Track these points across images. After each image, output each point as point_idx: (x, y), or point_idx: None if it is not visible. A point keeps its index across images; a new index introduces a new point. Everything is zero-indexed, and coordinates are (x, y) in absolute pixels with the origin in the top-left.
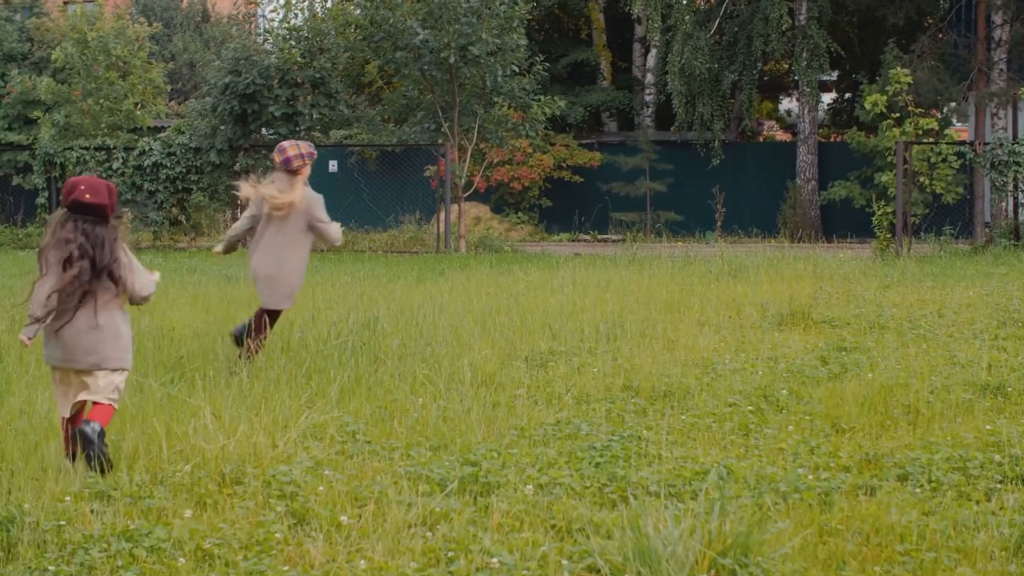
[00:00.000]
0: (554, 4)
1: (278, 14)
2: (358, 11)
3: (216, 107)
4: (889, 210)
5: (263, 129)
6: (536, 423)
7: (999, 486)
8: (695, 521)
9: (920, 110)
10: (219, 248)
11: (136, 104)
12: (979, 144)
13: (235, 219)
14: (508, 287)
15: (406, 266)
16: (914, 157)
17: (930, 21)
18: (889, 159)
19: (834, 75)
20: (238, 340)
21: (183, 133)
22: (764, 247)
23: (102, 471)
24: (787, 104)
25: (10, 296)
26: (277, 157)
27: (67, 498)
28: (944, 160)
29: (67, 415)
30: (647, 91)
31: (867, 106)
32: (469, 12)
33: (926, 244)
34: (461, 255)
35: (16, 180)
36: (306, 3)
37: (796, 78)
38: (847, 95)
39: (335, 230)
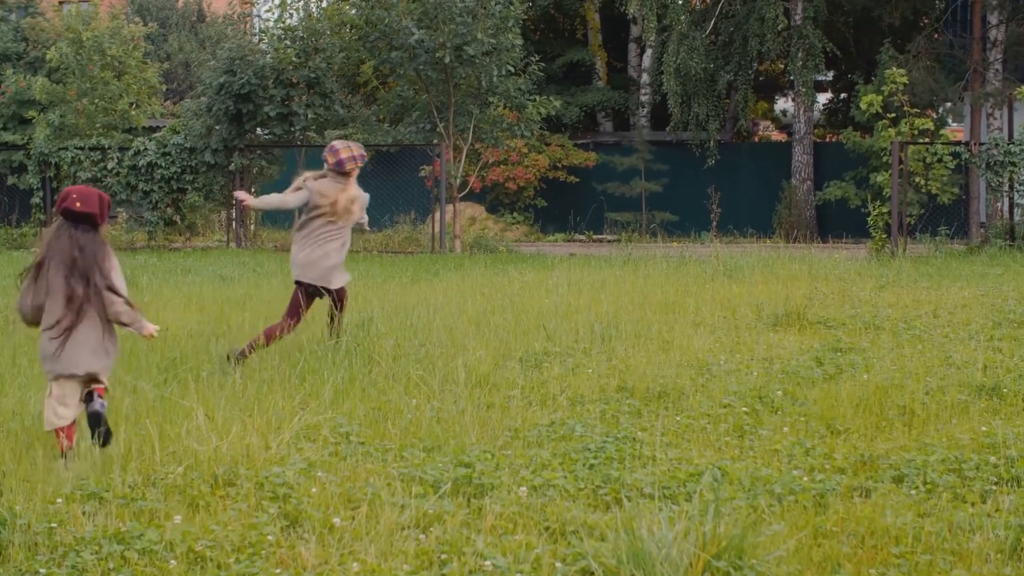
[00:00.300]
0: (549, 4)
1: (273, 14)
2: (353, 11)
3: (211, 107)
4: (885, 210)
5: (258, 129)
6: (530, 424)
7: (994, 488)
8: (689, 523)
9: (916, 110)
10: (255, 202)
11: (131, 104)
12: (975, 144)
13: (230, 219)
14: (503, 287)
15: (401, 266)
16: (910, 157)
17: (926, 21)
18: (885, 159)
19: (830, 75)
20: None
21: (178, 133)
22: (759, 247)
23: (106, 444)
24: (783, 104)
25: (4, 297)
26: (330, 158)
27: (59, 500)
28: (940, 160)
29: (68, 423)
30: (642, 91)
31: (863, 106)
32: (464, 12)
33: (922, 244)
34: (456, 255)
35: (11, 180)
36: (301, 3)
37: (792, 78)
38: (843, 95)
39: (364, 227)
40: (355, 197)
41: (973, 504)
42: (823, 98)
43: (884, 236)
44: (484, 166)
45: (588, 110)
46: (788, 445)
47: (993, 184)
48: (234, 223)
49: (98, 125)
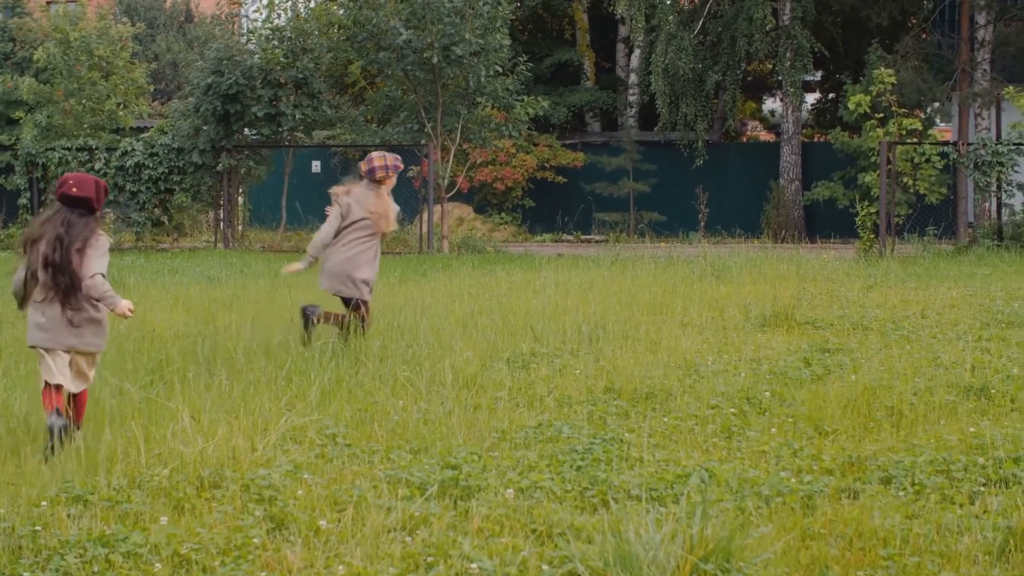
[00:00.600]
0: (537, 4)
1: (261, 14)
2: (341, 11)
3: (199, 107)
4: (872, 210)
5: (246, 129)
6: (517, 426)
7: (982, 489)
8: (677, 525)
9: (904, 110)
10: (300, 266)
11: (119, 104)
12: (962, 144)
13: (218, 220)
14: (490, 288)
15: (388, 267)
16: (898, 157)
17: (914, 21)
18: (873, 159)
19: (818, 75)
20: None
21: (166, 133)
22: (747, 247)
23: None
24: (771, 104)
25: None
26: (363, 167)
27: (43, 503)
28: (927, 160)
29: (53, 382)
30: (630, 91)
31: (851, 106)
32: (452, 12)
33: (909, 244)
34: (444, 256)
35: None
36: (289, 3)
37: (780, 78)
38: (831, 95)
39: (387, 235)
40: (388, 205)
41: (961, 505)
42: (811, 98)
43: (872, 236)
44: (472, 166)
45: (576, 110)
46: (776, 446)
47: (981, 184)
48: (221, 224)
49: (85, 126)
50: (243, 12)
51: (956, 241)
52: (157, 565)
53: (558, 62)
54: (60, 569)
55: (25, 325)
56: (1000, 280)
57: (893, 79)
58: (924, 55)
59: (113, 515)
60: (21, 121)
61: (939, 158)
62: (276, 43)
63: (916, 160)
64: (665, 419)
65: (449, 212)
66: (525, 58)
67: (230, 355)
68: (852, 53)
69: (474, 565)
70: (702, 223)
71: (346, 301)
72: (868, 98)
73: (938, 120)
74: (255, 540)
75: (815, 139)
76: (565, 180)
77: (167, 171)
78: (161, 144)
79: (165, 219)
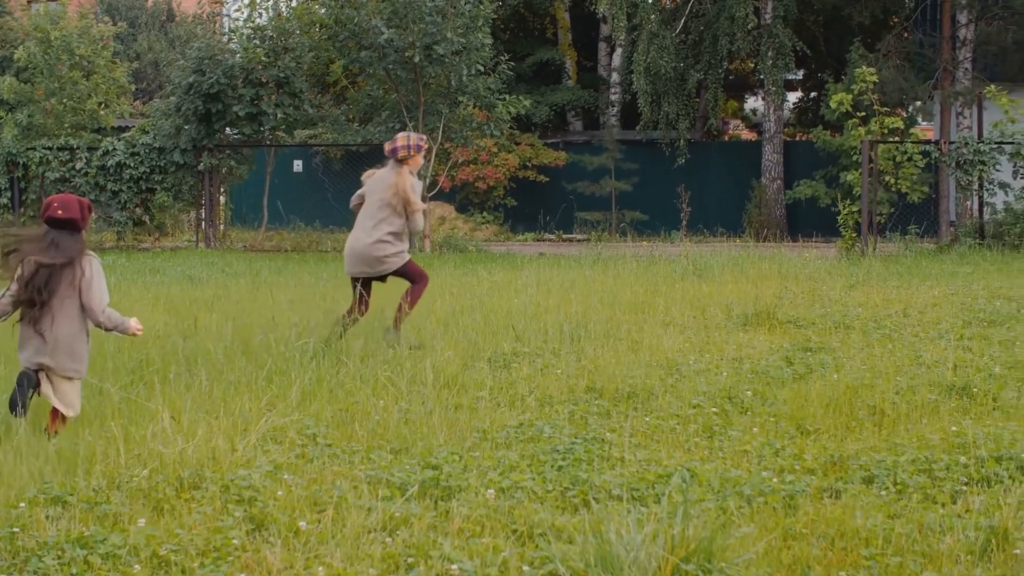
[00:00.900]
0: (519, 3)
1: (243, 13)
2: (323, 10)
3: (180, 107)
4: (854, 209)
5: (227, 129)
6: (499, 425)
7: (965, 488)
8: (658, 526)
9: (885, 109)
10: None
11: (100, 104)
12: (944, 143)
13: (199, 219)
14: (472, 287)
15: None
16: (879, 156)
17: (895, 20)
18: (854, 158)
19: (800, 74)
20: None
21: (147, 133)
22: (729, 246)
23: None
24: (752, 103)
25: None
26: (387, 146)
27: (21, 504)
28: (909, 159)
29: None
30: (612, 90)
31: (832, 105)
32: (434, 11)
33: (891, 243)
34: (426, 255)
35: None
36: (270, 2)
37: (762, 77)
38: (812, 94)
39: (417, 219)
40: (405, 182)
41: (943, 505)
42: (793, 97)
43: (854, 235)
44: (454, 165)
45: (558, 109)
46: (758, 446)
47: (963, 183)
48: (203, 223)
49: (66, 125)
50: (225, 11)
51: (938, 240)
52: (136, 567)
53: (540, 61)
54: (38, 571)
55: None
56: (982, 279)
57: (875, 78)
58: (906, 54)
59: (92, 516)
60: (1, 120)
61: (921, 157)
62: (258, 42)
63: (898, 159)
64: (647, 419)
65: (431, 211)
66: (507, 57)
67: (211, 355)
68: (834, 52)
69: (454, 566)
70: (684, 222)
71: (366, 285)
72: (850, 97)
73: (920, 119)
74: (235, 541)
75: (797, 138)
76: (547, 179)
77: (148, 170)
78: (142, 143)
79: (146, 218)
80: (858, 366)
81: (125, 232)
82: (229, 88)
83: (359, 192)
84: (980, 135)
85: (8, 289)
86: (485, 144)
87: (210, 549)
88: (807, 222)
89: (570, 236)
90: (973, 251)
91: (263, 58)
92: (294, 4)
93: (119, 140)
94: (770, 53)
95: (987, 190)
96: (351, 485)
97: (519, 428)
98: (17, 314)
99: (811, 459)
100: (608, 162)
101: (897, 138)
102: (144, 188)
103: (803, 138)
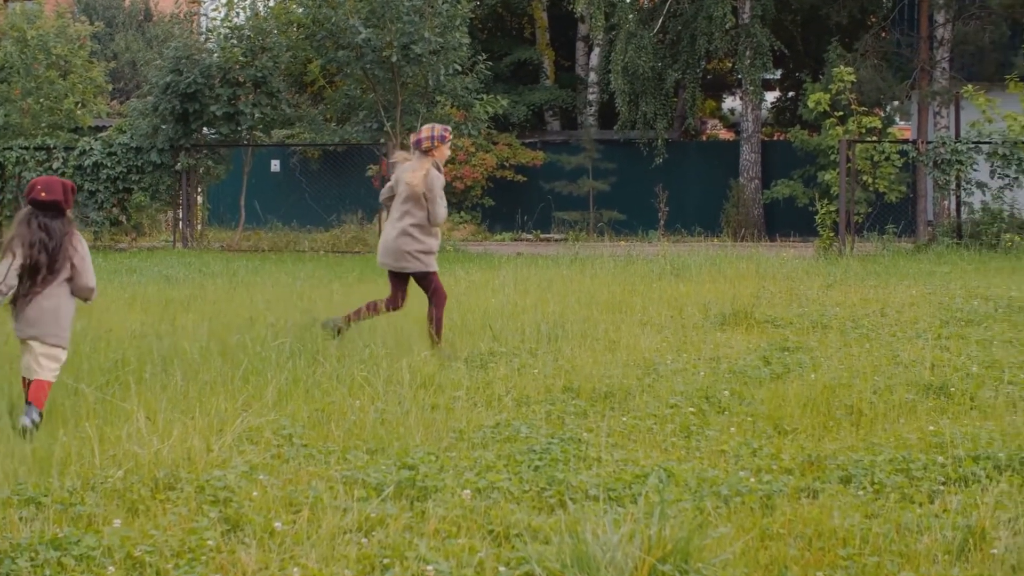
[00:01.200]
0: (497, 3)
1: (220, 13)
2: (300, 10)
3: (157, 106)
4: (832, 209)
5: (205, 128)
6: (475, 426)
7: (942, 488)
8: (635, 526)
9: (863, 108)
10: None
11: (77, 104)
12: (922, 143)
13: (176, 219)
14: (449, 287)
15: (348, 266)
16: (857, 156)
17: (873, 20)
18: (832, 158)
19: (777, 74)
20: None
21: (124, 132)
22: (707, 246)
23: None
24: (730, 103)
25: None
26: (412, 138)
27: None
28: (887, 159)
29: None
30: (590, 90)
31: (810, 104)
32: (411, 11)
33: (869, 243)
34: None
35: None
36: (248, 2)
37: (739, 77)
38: (790, 94)
39: (437, 210)
40: (423, 173)
41: (921, 505)
42: (771, 96)
43: (832, 234)
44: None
45: (536, 109)
46: (735, 446)
47: (940, 182)
48: (180, 223)
49: (43, 125)
50: (202, 11)
51: (915, 239)
52: (110, 568)
53: (517, 61)
54: (11, 573)
55: None
56: (959, 278)
57: (852, 77)
58: (883, 53)
59: (66, 517)
60: None
61: (898, 156)
62: (235, 42)
63: (876, 158)
64: (624, 418)
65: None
66: (484, 56)
67: (186, 355)
68: (812, 51)
69: (430, 567)
70: (662, 222)
71: (399, 278)
72: (828, 96)
73: (897, 118)
74: (209, 542)
75: (775, 137)
76: (524, 179)
77: (125, 170)
78: (119, 143)
79: (123, 218)
80: (836, 366)
81: (102, 232)
82: (206, 88)
83: (388, 184)
84: (958, 135)
85: (11, 263)
86: (462, 144)
87: (185, 550)
88: (785, 222)
89: (548, 236)
90: (951, 251)
91: (240, 58)
92: (271, 3)
93: (96, 140)
94: (748, 53)
95: (964, 190)
96: (327, 486)
97: (496, 428)
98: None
99: (788, 459)
100: (586, 162)
101: (875, 138)
102: (121, 188)
103: (781, 138)
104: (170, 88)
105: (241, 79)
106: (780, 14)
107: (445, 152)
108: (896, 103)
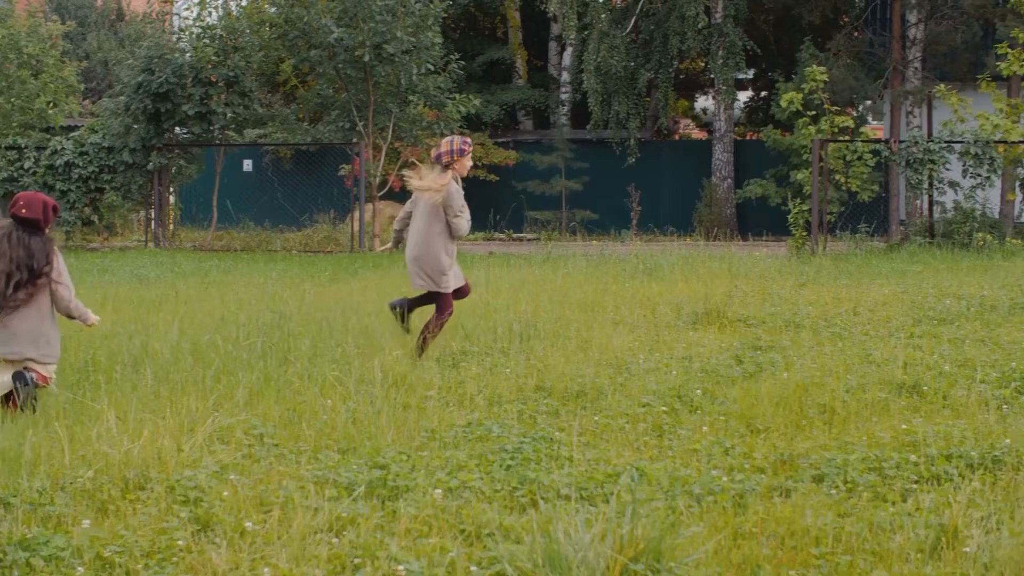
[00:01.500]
0: (470, 2)
1: (192, 12)
2: (273, 9)
3: (129, 106)
4: (805, 208)
5: (177, 128)
6: (447, 425)
7: (915, 487)
8: (607, 525)
9: (836, 108)
10: (387, 246)
11: (49, 103)
12: (894, 142)
13: (149, 219)
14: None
15: (320, 265)
16: (830, 155)
17: (846, 19)
18: (805, 157)
19: (750, 73)
20: (400, 316)
21: (96, 132)
22: (679, 245)
23: (33, 410)
24: (703, 102)
25: None
26: (432, 152)
27: None
28: (860, 158)
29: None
30: (563, 89)
31: (783, 104)
32: (384, 10)
33: (842, 242)
34: (375, 254)
35: None
36: (220, 1)
37: (712, 76)
38: (763, 93)
39: (458, 223)
40: (439, 185)
41: (894, 503)
42: (744, 96)
43: (804, 234)
44: (404, 164)
45: (508, 108)
46: (707, 445)
47: (913, 182)
48: (152, 223)
49: (15, 124)
50: (174, 10)
51: (888, 238)
52: (79, 569)
53: (490, 60)
54: None
55: None
56: (932, 277)
57: (825, 77)
58: (856, 53)
59: (35, 518)
60: None
61: (871, 156)
62: (207, 41)
63: (848, 158)
64: (596, 418)
65: (381, 211)
66: (457, 56)
67: (157, 355)
68: (784, 51)
69: (401, 567)
70: (634, 221)
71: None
72: (800, 96)
73: (870, 118)
74: (180, 542)
75: (747, 137)
76: (497, 178)
77: (97, 170)
78: (91, 143)
79: (95, 218)
80: (808, 364)
81: (74, 232)
82: (179, 87)
83: (405, 209)
84: (930, 134)
85: None
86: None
87: (155, 550)
88: (757, 221)
89: (520, 235)
90: (923, 250)
91: (213, 57)
92: (244, 3)
93: (68, 139)
94: (720, 52)
95: (937, 189)
96: (298, 485)
97: (468, 427)
98: None
99: (761, 458)
100: (558, 161)
101: (847, 137)
102: (93, 188)
103: (753, 137)
104: (142, 88)
105: (213, 79)
106: (753, 14)
107: (466, 164)
108: (868, 102)
